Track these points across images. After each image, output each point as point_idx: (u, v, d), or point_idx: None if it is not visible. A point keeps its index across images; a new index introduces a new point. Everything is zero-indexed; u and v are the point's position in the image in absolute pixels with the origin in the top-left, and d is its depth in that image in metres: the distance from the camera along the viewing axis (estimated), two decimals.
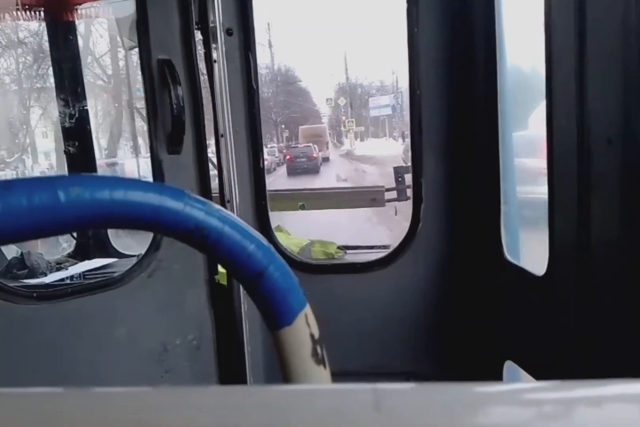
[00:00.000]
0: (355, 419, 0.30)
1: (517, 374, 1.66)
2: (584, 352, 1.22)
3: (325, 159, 24.24)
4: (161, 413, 0.31)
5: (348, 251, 2.54)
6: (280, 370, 0.62)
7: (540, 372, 1.48)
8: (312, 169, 20.98)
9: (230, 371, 2.06)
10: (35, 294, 1.87)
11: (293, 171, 20.60)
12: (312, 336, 0.61)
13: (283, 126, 28.58)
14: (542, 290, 1.43)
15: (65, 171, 3.23)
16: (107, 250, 3.11)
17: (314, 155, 22.26)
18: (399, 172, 3.06)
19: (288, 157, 21.97)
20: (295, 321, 0.60)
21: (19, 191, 0.49)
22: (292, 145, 25.29)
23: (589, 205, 1.17)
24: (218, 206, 0.59)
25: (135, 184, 0.56)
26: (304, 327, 0.60)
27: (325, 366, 0.62)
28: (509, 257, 1.68)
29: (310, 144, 22.93)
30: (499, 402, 0.31)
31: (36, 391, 0.33)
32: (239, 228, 0.58)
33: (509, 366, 1.70)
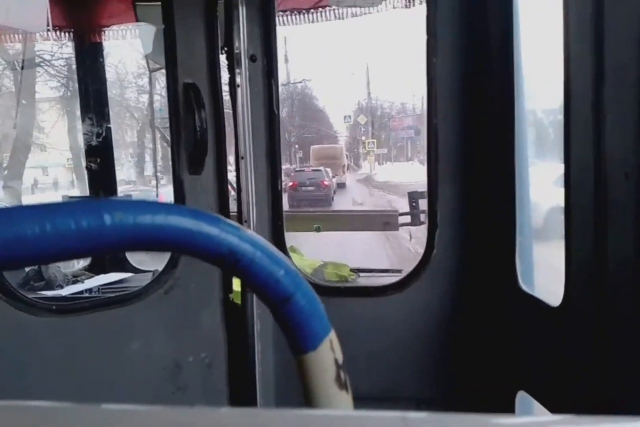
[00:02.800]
0: None
1: (529, 404, 1.65)
2: (599, 386, 1.21)
3: (341, 186, 20.17)
4: None
5: (361, 274, 2.55)
6: (302, 394, 0.63)
7: (553, 404, 1.46)
8: (322, 201, 15.91)
9: (241, 390, 2.06)
10: (54, 307, 1.90)
11: (296, 203, 15.20)
12: (336, 361, 0.62)
13: (297, 146, 26.93)
14: (558, 321, 1.43)
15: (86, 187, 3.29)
16: (122, 265, 3.15)
17: (325, 182, 17.22)
18: (413, 197, 3.08)
19: (291, 183, 16.40)
20: (320, 346, 0.61)
21: (67, 213, 0.52)
22: (297, 169, 20.12)
23: (605, 237, 1.18)
24: (250, 231, 0.62)
25: (174, 209, 0.59)
26: (329, 353, 0.62)
27: (347, 391, 0.63)
28: (523, 286, 1.68)
29: (321, 168, 18.37)
30: None
31: (47, 405, 0.34)
32: (269, 254, 0.60)
33: (522, 396, 1.68)
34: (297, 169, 20.23)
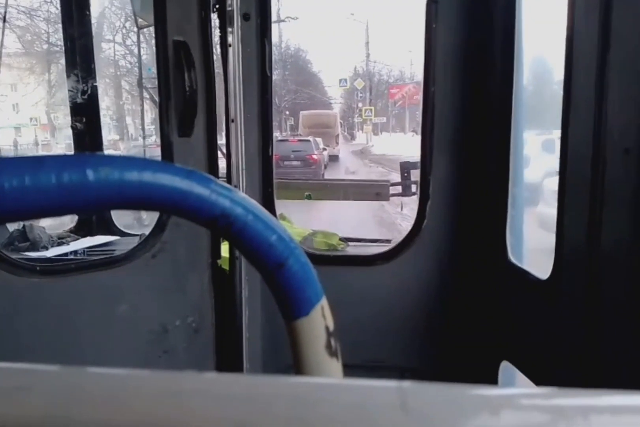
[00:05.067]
0: (382, 416, 0.30)
1: (512, 375, 1.69)
2: (584, 358, 1.24)
3: (334, 158, 17.60)
4: (176, 398, 0.31)
5: (350, 243, 2.55)
6: (292, 360, 0.63)
7: (537, 375, 1.50)
8: (310, 179, 11.98)
9: (228, 355, 2.09)
10: (38, 268, 1.87)
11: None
12: (327, 328, 0.62)
13: (288, 113, 25.44)
14: (546, 293, 1.45)
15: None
16: (108, 228, 3.11)
17: (314, 156, 14.20)
18: (405, 167, 3.06)
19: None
20: (312, 313, 0.61)
21: (49, 167, 0.49)
22: (280, 138, 16.21)
23: (600, 212, 1.17)
24: (243, 194, 0.59)
25: (164, 167, 0.56)
26: (320, 319, 0.61)
27: (338, 359, 0.62)
28: (512, 259, 1.69)
29: (310, 138, 15.47)
30: (527, 407, 0.32)
31: (30, 367, 0.33)
32: (262, 218, 0.58)
33: (505, 367, 1.72)
34: (280, 138, 16.35)
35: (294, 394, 0.32)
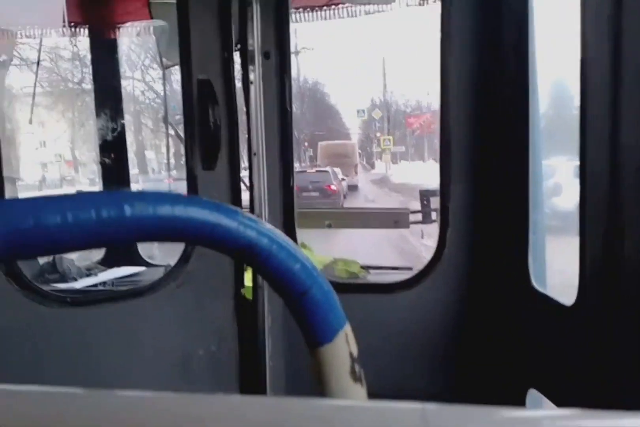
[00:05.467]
0: None
1: (540, 403, 1.64)
2: (611, 384, 1.21)
3: (353, 188, 17.44)
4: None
5: (371, 271, 2.56)
6: (318, 387, 0.64)
7: (565, 401, 1.46)
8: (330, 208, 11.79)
9: (251, 385, 2.08)
10: (68, 299, 1.93)
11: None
12: (351, 354, 0.63)
13: (307, 144, 25.57)
14: (571, 320, 1.42)
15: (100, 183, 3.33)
16: (134, 259, 3.18)
17: (332, 187, 14.07)
18: (424, 195, 3.08)
19: None
20: (336, 339, 0.62)
21: (88, 204, 0.53)
22: (298, 170, 15.91)
23: (621, 234, 1.17)
24: (268, 225, 0.62)
25: (193, 201, 0.60)
26: (344, 345, 0.62)
27: (362, 384, 0.63)
28: (536, 285, 1.67)
29: (328, 168, 15.37)
30: None
31: (56, 390, 0.35)
32: (287, 247, 0.61)
33: (532, 394, 1.68)
34: (298, 170, 16.09)
35: (317, 416, 0.33)
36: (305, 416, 0.33)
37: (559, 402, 1.49)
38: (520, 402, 1.71)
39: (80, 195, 0.56)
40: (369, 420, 0.33)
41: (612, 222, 1.20)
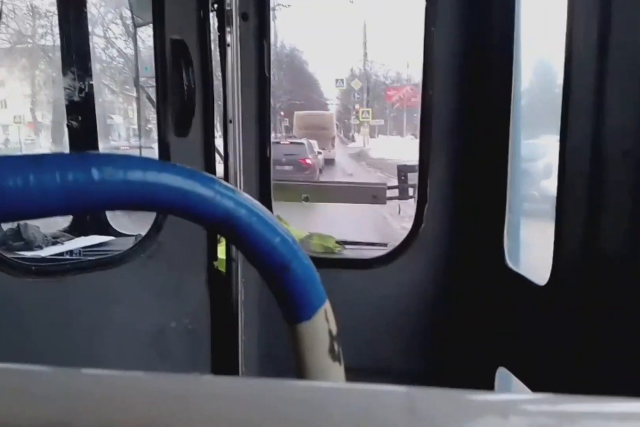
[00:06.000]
0: (389, 421, 0.29)
1: (509, 381, 1.68)
2: (581, 365, 1.24)
3: (329, 162, 16.70)
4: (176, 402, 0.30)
5: (347, 246, 2.55)
6: (295, 364, 0.62)
7: (533, 381, 1.50)
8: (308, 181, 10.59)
9: (224, 358, 2.07)
10: (34, 268, 1.86)
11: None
12: (330, 332, 0.61)
13: (283, 113, 24.55)
14: (544, 300, 1.44)
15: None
16: (103, 227, 3.10)
17: (307, 160, 13.29)
18: (402, 170, 3.06)
19: None
20: (315, 316, 0.60)
21: (53, 166, 0.48)
22: (273, 141, 11.84)
23: (598, 216, 1.17)
24: (246, 195, 0.59)
25: (167, 167, 0.55)
26: (323, 323, 0.61)
27: (340, 363, 0.62)
28: (510, 264, 1.69)
29: (304, 140, 14.57)
30: (535, 413, 0.31)
31: (26, 368, 0.33)
32: (266, 220, 0.57)
33: (502, 373, 1.72)
34: (274, 141, 15.82)
35: (299, 398, 0.31)
36: (283, 397, 0.31)
37: (528, 382, 1.53)
38: (489, 380, 1.75)
39: (44, 155, 0.50)
40: (351, 402, 0.31)
41: (586, 204, 1.20)
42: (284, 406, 0.30)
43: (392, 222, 9.13)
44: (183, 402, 0.30)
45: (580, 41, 1.24)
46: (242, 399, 0.31)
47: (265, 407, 0.30)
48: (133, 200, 0.52)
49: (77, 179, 0.48)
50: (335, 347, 0.62)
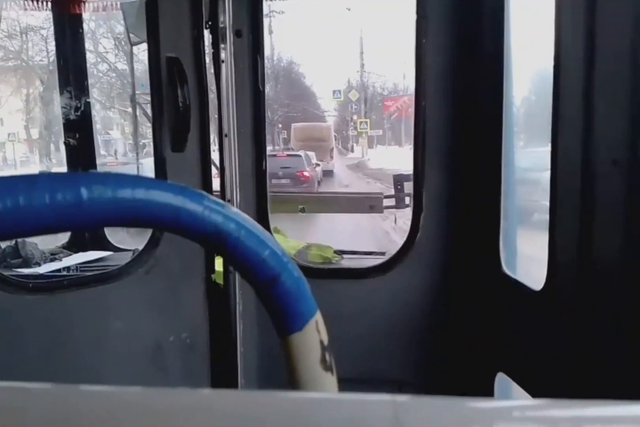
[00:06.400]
0: None
1: (508, 387, 1.68)
2: (579, 369, 1.24)
3: (328, 173, 16.59)
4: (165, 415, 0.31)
5: (345, 256, 2.55)
6: (287, 375, 0.63)
7: (532, 386, 1.49)
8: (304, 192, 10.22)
9: (223, 371, 2.06)
10: (31, 285, 1.86)
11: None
12: (321, 342, 0.62)
13: (281, 126, 24.77)
14: (540, 305, 1.45)
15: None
16: (101, 243, 3.10)
17: (305, 173, 13.00)
18: (398, 180, 3.08)
19: None
20: (306, 327, 0.61)
21: (42, 186, 0.49)
22: (269, 153, 11.23)
23: (591, 223, 1.18)
24: (236, 209, 0.60)
25: (156, 184, 0.56)
26: (314, 334, 0.61)
27: (332, 373, 0.62)
28: (506, 270, 1.69)
29: (301, 153, 14.31)
30: (521, 419, 0.32)
31: (24, 385, 0.33)
32: (255, 233, 0.58)
33: (501, 378, 1.72)
34: (271, 153, 14.61)
35: (288, 410, 0.32)
36: (274, 410, 0.32)
37: (527, 387, 1.53)
38: (489, 386, 1.75)
39: (33, 176, 0.51)
40: (339, 413, 0.32)
41: (581, 209, 1.21)
42: (270, 418, 0.31)
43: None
44: (183, 417, 0.31)
45: (569, 52, 1.26)
46: (227, 412, 0.32)
47: (251, 419, 0.31)
48: (123, 217, 0.53)
49: (66, 199, 0.49)
50: (327, 357, 0.62)
